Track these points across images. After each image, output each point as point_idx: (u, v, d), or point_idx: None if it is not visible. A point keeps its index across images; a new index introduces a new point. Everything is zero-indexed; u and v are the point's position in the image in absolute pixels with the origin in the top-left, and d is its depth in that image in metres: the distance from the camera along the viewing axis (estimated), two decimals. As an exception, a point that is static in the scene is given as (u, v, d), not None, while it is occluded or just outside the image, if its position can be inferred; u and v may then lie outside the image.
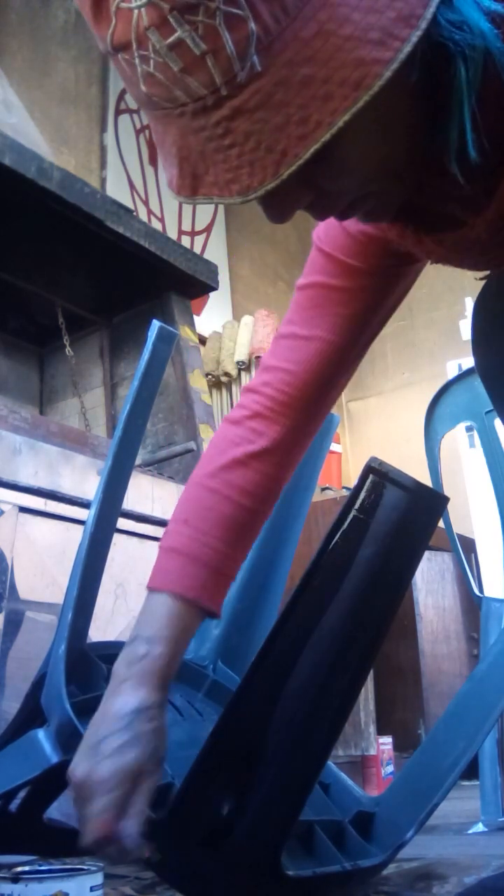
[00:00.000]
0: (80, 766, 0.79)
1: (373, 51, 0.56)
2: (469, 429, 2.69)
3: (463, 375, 1.86)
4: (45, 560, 1.60)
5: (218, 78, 0.57)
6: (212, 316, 3.89)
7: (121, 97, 3.91)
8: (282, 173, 0.58)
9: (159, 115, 0.61)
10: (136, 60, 0.58)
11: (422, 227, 0.77)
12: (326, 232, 0.90)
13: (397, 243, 0.82)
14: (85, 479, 1.70)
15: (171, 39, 0.56)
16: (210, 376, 3.61)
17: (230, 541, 0.91)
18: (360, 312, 0.91)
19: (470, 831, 1.64)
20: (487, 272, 0.84)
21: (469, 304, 3.31)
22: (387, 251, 0.86)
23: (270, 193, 0.60)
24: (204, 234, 4.27)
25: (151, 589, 0.91)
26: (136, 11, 0.56)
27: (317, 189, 0.65)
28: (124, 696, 0.82)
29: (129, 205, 2.74)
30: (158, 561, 0.92)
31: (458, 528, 1.93)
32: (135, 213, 2.15)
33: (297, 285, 0.93)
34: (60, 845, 1.17)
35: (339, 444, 4.61)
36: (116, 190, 3.68)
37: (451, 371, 2.95)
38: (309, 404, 0.93)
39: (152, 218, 3.92)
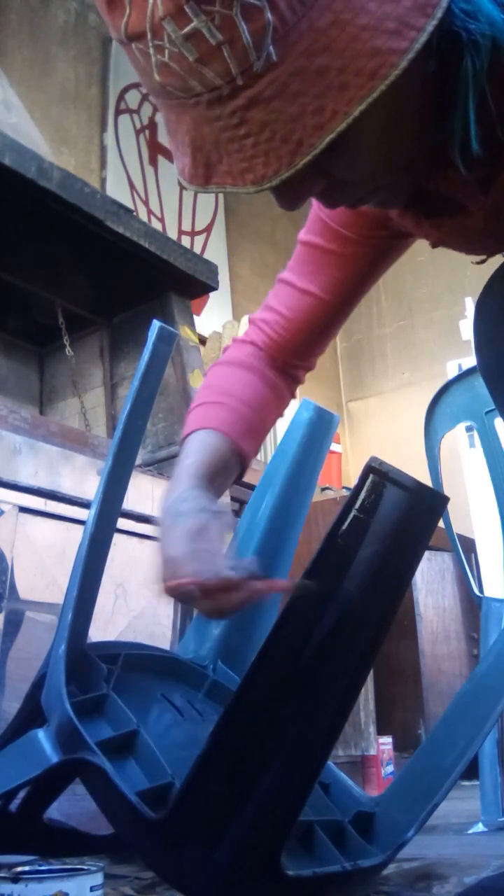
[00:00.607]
0: (175, 570, 0.80)
1: (389, 40, 0.56)
2: (469, 429, 2.68)
3: (463, 375, 1.86)
4: (45, 560, 1.60)
5: (234, 68, 0.57)
6: (212, 316, 3.89)
7: (121, 97, 3.91)
8: (297, 163, 0.58)
9: (173, 105, 0.61)
10: (151, 50, 0.58)
11: (422, 212, 0.78)
12: None
13: (396, 223, 0.84)
14: (85, 479, 1.70)
15: (186, 30, 0.56)
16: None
17: (261, 404, 1.01)
18: (352, 276, 0.96)
19: (470, 831, 1.64)
20: (483, 256, 0.85)
21: (469, 304, 3.31)
22: (380, 225, 0.89)
23: (283, 182, 0.60)
24: (204, 234, 4.27)
25: (187, 435, 0.97)
26: (151, 1, 0.56)
27: (329, 178, 0.65)
28: (177, 489, 0.88)
29: (129, 205, 2.74)
30: (194, 414, 0.99)
31: (458, 528, 1.93)
32: (135, 213, 2.14)
33: (298, 237, 0.99)
34: (60, 845, 1.17)
35: (339, 444, 4.61)
36: (116, 190, 3.68)
37: (451, 371, 2.94)
38: (299, 348, 1.03)
39: (152, 218, 3.92)
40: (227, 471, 0.96)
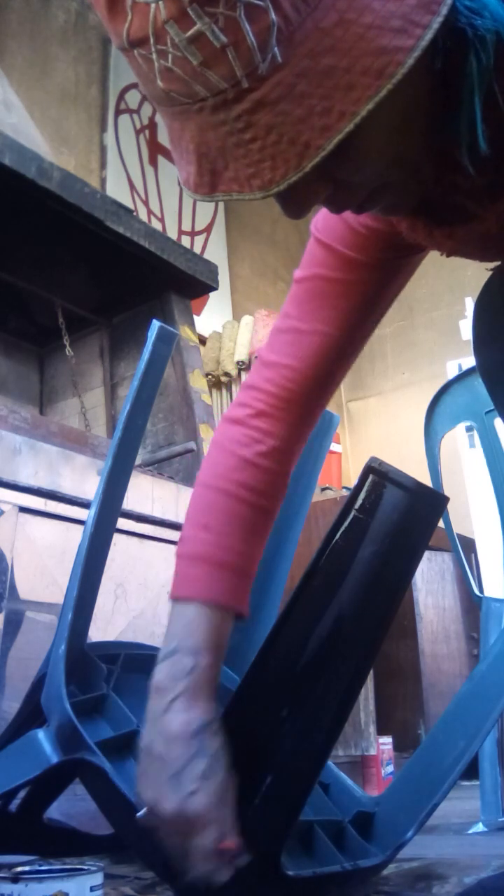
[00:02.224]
0: (167, 801, 0.75)
1: (394, 39, 0.55)
2: (469, 429, 2.69)
3: (463, 375, 1.86)
4: (45, 560, 1.60)
5: (239, 71, 0.56)
6: (212, 316, 3.89)
7: (121, 97, 3.91)
8: (305, 166, 0.57)
9: (177, 112, 0.60)
10: (154, 56, 0.57)
11: (433, 220, 0.77)
12: (325, 223, 0.89)
13: (406, 236, 0.81)
14: (85, 479, 1.70)
15: (190, 32, 0.55)
16: (210, 376, 3.61)
17: (250, 541, 0.91)
18: (360, 305, 0.90)
19: (470, 831, 1.64)
20: (497, 263, 0.84)
21: (469, 304, 3.31)
22: (387, 243, 0.85)
23: (290, 188, 0.59)
24: (204, 234, 4.27)
25: (180, 598, 0.87)
26: (153, 5, 0.55)
27: (335, 182, 0.64)
28: (184, 714, 0.78)
29: (129, 205, 2.74)
30: (181, 569, 0.89)
31: (458, 528, 1.93)
32: (135, 213, 2.14)
33: (295, 278, 0.92)
34: (60, 845, 1.17)
35: (339, 444, 4.61)
36: (116, 190, 3.68)
37: (451, 371, 2.95)
38: (311, 398, 0.93)
39: (152, 218, 3.92)
40: (227, 637, 0.89)
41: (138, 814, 0.77)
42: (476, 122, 0.62)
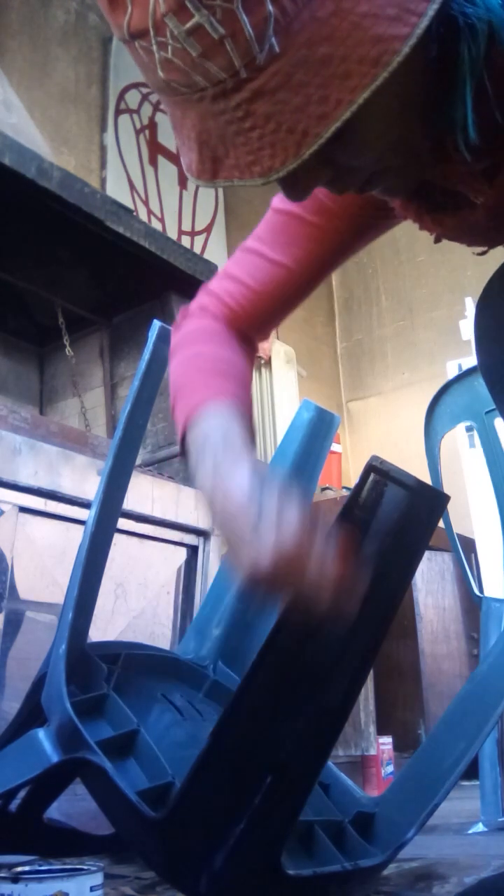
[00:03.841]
0: (262, 552, 0.68)
1: (390, 27, 0.56)
2: (469, 429, 2.68)
3: (463, 375, 1.86)
4: (45, 560, 1.60)
5: (237, 61, 0.57)
6: (212, 316, 3.89)
7: (121, 97, 3.91)
8: (303, 153, 0.59)
9: (178, 101, 0.61)
10: (154, 47, 0.59)
11: (425, 206, 0.78)
12: None
13: (398, 213, 0.82)
14: (85, 479, 1.69)
15: (189, 25, 0.57)
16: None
17: (241, 369, 0.92)
18: (328, 251, 0.92)
19: (470, 831, 1.64)
20: (485, 249, 0.85)
21: (469, 304, 3.32)
22: (368, 202, 0.86)
23: (291, 173, 0.60)
24: (204, 234, 4.27)
25: (193, 415, 0.83)
26: None
27: (336, 166, 0.65)
28: (236, 472, 0.74)
29: (129, 205, 2.74)
30: (187, 397, 0.86)
31: (458, 528, 1.93)
32: (135, 213, 2.14)
33: (272, 205, 0.94)
34: (60, 845, 1.17)
35: (339, 444, 4.61)
36: (116, 190, 3.68)
37: (451, 371, 2.94)
38: (257, 321, 0.96)
39: (152, 218, 3.92)
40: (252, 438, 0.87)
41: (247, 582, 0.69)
42: (467, 111, 0.62)
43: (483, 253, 0.85)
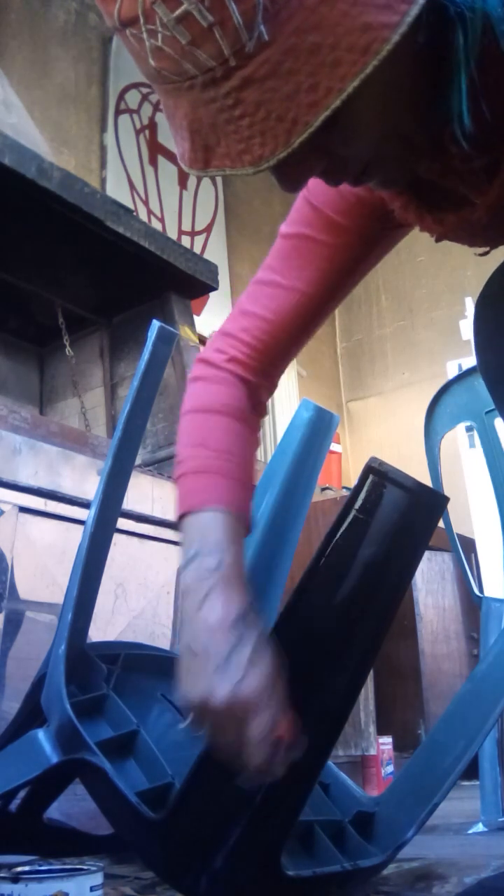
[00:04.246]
0: (218, 689, 0.71)
1: (379, 15, 0.57)
2: (469, 429, 2.68)
3: (463, 375, 1.86)
4: (45, 560, 1.60)
5: (226, 49, 0.57)
6: (212, 316, 3.89)
7: (121, 97, 3.91)
8: (293, 142, 0.59)
9: (169, 90, 0.62)
10: (144, 35, 0.59)
11: (426, 205, 0.78)
12: (315, 184, 0.89)
13: (398, 215, 0.82)
14: (85, 479, 1.70)
15: (178, 12, 0.57)
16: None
17: (246, 452, 0.92)
18: (341, 269, 0.91)
19: (470, 831, 1.64)
20: (486, 249, 0.85)
21: (469, 304, 3.31)
22: (374, 213, 0.86)
23: (283, 162, 0.60)
24: (204, 234, 4.27)
25: (192, 509, 0.85)
26: None
27: (329, 156, 0.65)
28: (220, 606, 0.76)
29: (129, 205, 2.74)
30: (186, 485, 0.88)
31: (458, 528, 1.93)
32: (135, 213, 2.14)
33: (280, 232, 0.94)
34: (60, 845, 1.17)
35: (339, 444, 4.61)
36: (116, 190, 3.68)
37: (451, 371, 2.94)
38: (282, 351, 0.96)
39: (152, 218, 3.92)
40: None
41: (181, 725, 0.74)
42: (462, 100, 0.63)
43: (485, 253, 0.85)
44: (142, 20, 0.58)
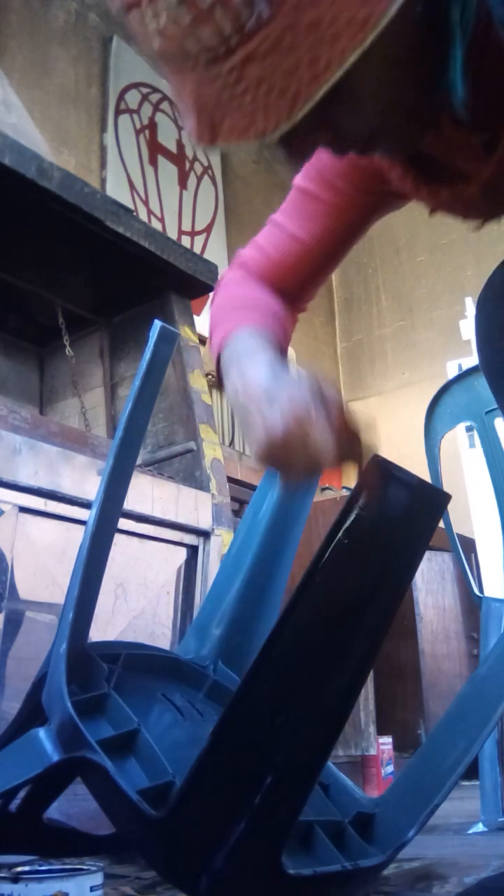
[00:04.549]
0: (273, 419, 0.72)
1: None
2: (469, 429, 2.68)
3: (463, 375, 1.86)
4: (45, 560, 1.60)
5: (227, 27, 0.59)
6: (212, 316, 3.89)
7: (121, 97, 3.91)
8: (296, 115, 0.61)
9: (174, 69, 0.64)
10: (147, 17, 0.61)
11: (422, 178, 0.80)
12: (323, 150, 0.94)
13: (396, 183, 0.84)
14: (85, 479, 1.69)
15: None
16: (210, 376, 3.61)
17: (278, 312, 0.97)
18: (342, 227, 0.96)
19: (470, 831, 1.64)
20: (479, 222, 0.86)
21: (469, 304, 3.32)
22: (375, 181, 0.89)
23: (288, 135, 0.62)
24: (204, 234, 4.27)
25: (223, 342, 0.90)
26: None
27: (333, 128, 0.67)
28: (254, 366, 0.79)
29: (129, 205, 2.74)
30: (219, 331, 0.93)
31: (458, 528, 1.93)
32: (135, 213, 2.14)
33: (294, 181, 0.98)
34: (60, 845, 1.17)
35: (338, 444, 4.60)
36: (116, 190, 3.68)
37: (451, 371, 2.94)
38: (282, 290, 1.00)
39: (152, 218, 3.92)
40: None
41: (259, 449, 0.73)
42: (457, 69, 0.64)
43: (478, 228, 0.87)
44: (144, 3, 0.60)
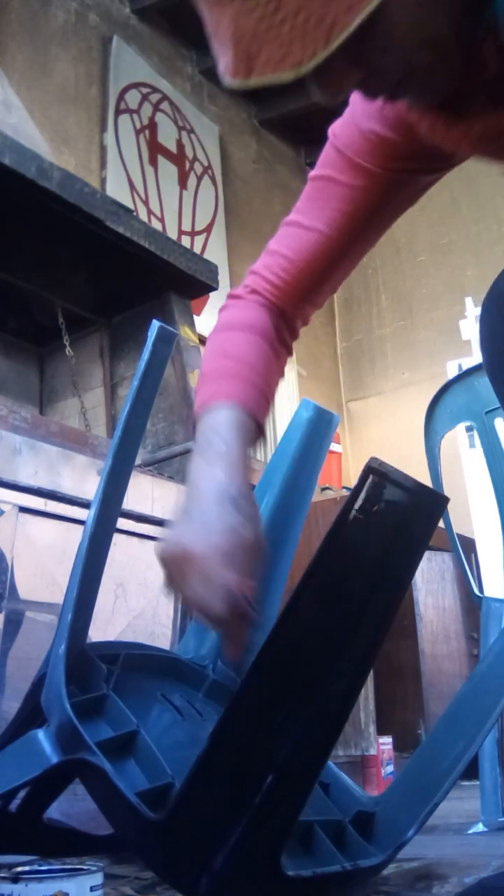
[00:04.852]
0: (196, 538, 0.76)
1: None
2: (469, 429, 2.68)
3: (463, 375, 1.86)
4: (45, 560, 1.60)
5: None
6: (212, 316, 3.88)
7: (121, 97, 3.91)
8: (332, 44, 0.62)
9: (212, 3, 0.66)
10: None
11: (454, 116, 0.79)
12: (342, 128, 0.94)
13: (426, 136, 0.83)
14: (85, 479, 1.69)
15: None
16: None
17: (269, 366, 0.97)
18: (359, 211, 0.94)
19: (470, 831, 1.64)
20: None
21: (469, 304, 3.31)
22: (396, 155, 0.89)
23: (321, 70, 0.63)
24: (204, 234, 4.27)
25: (202, 408, 0.91)
26: None
27: (366, 66, 0.68)
28: (223, 479, 0.81)
29: (129, 205, 2.74)
30: (205, 389, 0.94)
31: (458, 528, 1.93)
32: (135, 213, 2.14)
33: (308, 176, 0.98)
34: (60, 845, 1.17)
35: (339, 444, 4.61)
36: (116, 190, 3.68)
37: (451, 371, 2.94)
38: (300, 292, 0.99)
39: (152, 218, 3.92)
40: (253, 447, 0.93)
41: (158, 550, 0.77)
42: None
43: None
44: None
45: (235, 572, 0.75)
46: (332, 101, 0.71)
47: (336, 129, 0.95)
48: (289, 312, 1.00)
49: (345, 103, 0.94)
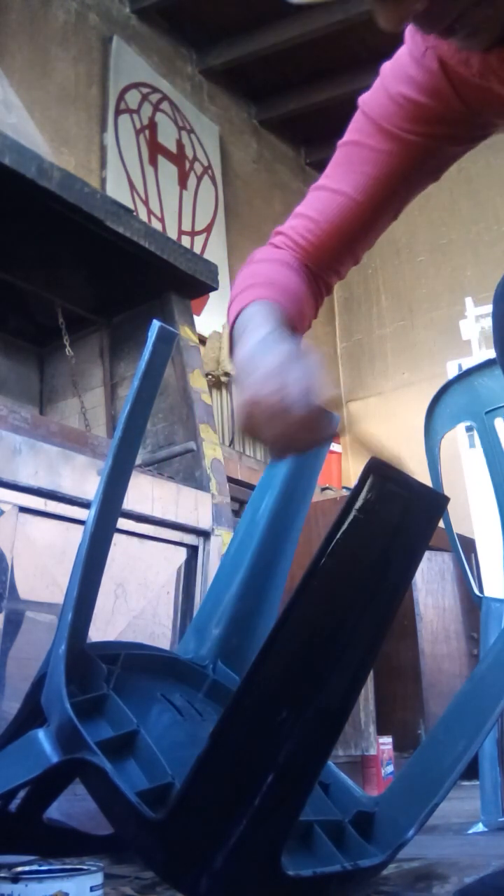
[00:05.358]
0: (248, 381, 0.77)
1: None
2: (469, 429, 2.69)
3: (463, 375, 1.86)
4: (45, 560, 1.60)
5: None
6: (212, 316, 3.89)
7: (121, 97, 3.91)
8: None
9: None
10: None
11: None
12: (370, 96, 0.96)
13: (478, 78, 0.84)
14: (85, 479, 1.69)
15: None
16: (210, 376, 3.61)
17: (297, 290, 0.98)
18: (385, 176, 0.95)
19: (470, 831, 1.64)
20: None
21: (469, 303, 3.31)
22: (423, 118, 0.91)
23: None
24: (204, 234, 4.27)
25: (238, 312, 0.93)
26: None
27: None
28: (260, 336, 0.83)
29: (129, 205, 2.74)
30: (236, 302, 0.95)
31: (458, 528, 1.93)
32: (135, 213, 2.14)
33: (337, 144, 0.99)
34: (60, 845, 1.17)
35: (339, 444, 4.61)
36: (116, 190, 3.68)
37: (451, 371, 2.95)
38: (325, 255, 1.00)
39: (152, 218, 3.92)
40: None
41: None
42: None
43: None
44: None
45: (299, 376, 0.75)
46: (395, 27, 0.71)
47: (365, 97, 0.96)
48: (317, 270, 1.01)
49: (360, 92, 0.96)
